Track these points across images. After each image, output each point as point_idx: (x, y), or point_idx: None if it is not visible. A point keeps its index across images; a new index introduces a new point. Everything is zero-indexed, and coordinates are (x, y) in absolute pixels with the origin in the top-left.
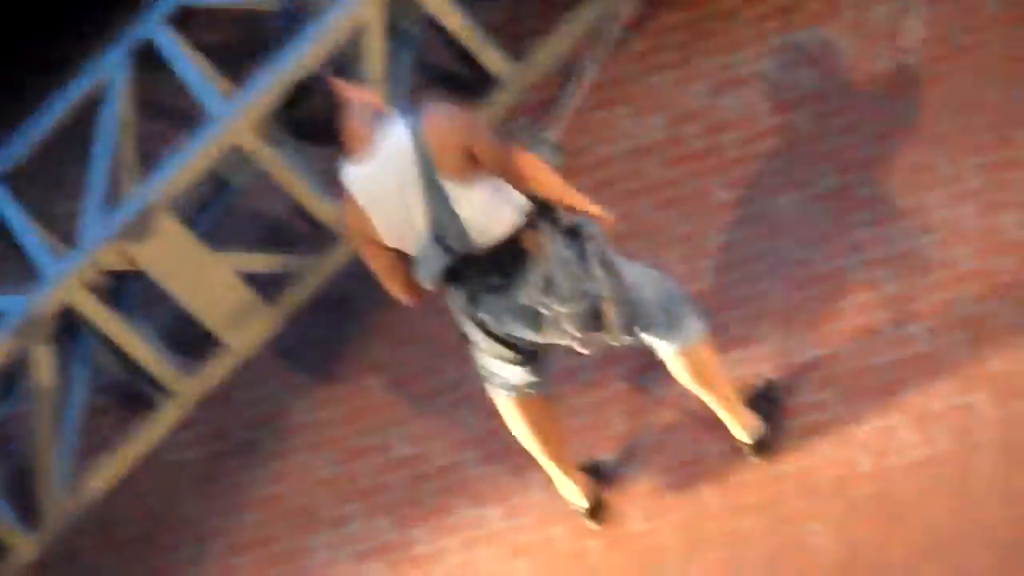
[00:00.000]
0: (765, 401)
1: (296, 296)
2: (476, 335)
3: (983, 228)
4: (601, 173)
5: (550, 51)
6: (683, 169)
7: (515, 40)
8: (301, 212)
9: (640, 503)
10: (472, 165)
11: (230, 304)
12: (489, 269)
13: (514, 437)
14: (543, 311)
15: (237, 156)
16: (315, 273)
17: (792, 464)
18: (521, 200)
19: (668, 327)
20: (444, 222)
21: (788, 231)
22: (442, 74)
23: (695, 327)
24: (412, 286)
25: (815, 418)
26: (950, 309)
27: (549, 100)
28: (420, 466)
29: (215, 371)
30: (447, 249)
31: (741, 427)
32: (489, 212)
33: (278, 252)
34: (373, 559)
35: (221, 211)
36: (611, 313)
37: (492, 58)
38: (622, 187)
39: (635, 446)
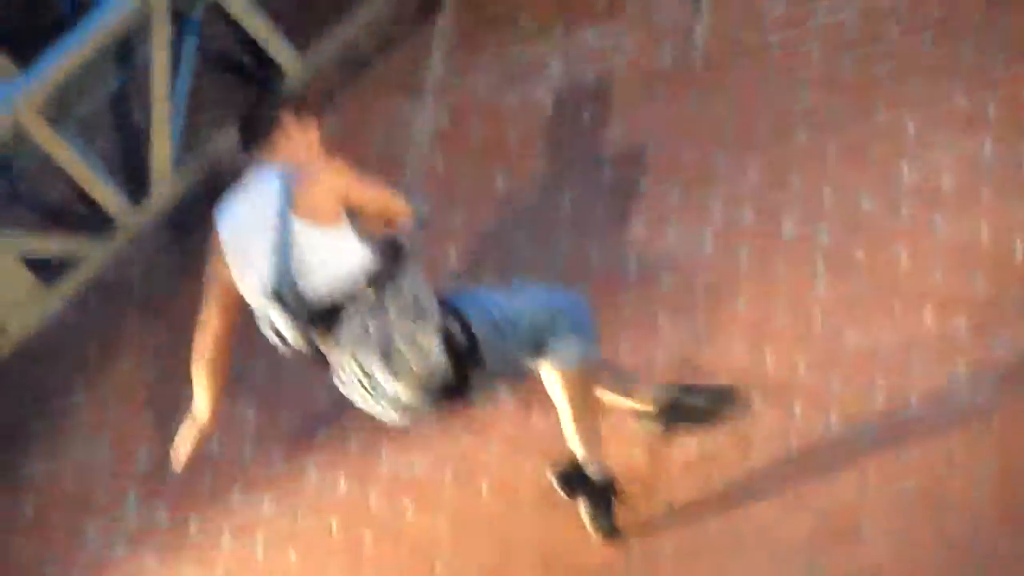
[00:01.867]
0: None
1: (75, 280)
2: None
3: (759, 228)
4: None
5: (336, 41)
6: (466, 160)
7: (301, 29)
8: (82, 196)
9: (414, 493)
10: (335, 211)
11: (9, 287)
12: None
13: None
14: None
15: (19, 138)
16: (95, 257)
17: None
18: (366, 260)
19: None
20: (284, 264)
21: (569, 225)
22: (227, 62)
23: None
24: (215, 346)
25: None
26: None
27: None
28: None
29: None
30: (281, 299)
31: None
32: (331, 261)
33: (59, 236)
34: (146, 545)
35: (2, 194)
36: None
37: (278, 47)
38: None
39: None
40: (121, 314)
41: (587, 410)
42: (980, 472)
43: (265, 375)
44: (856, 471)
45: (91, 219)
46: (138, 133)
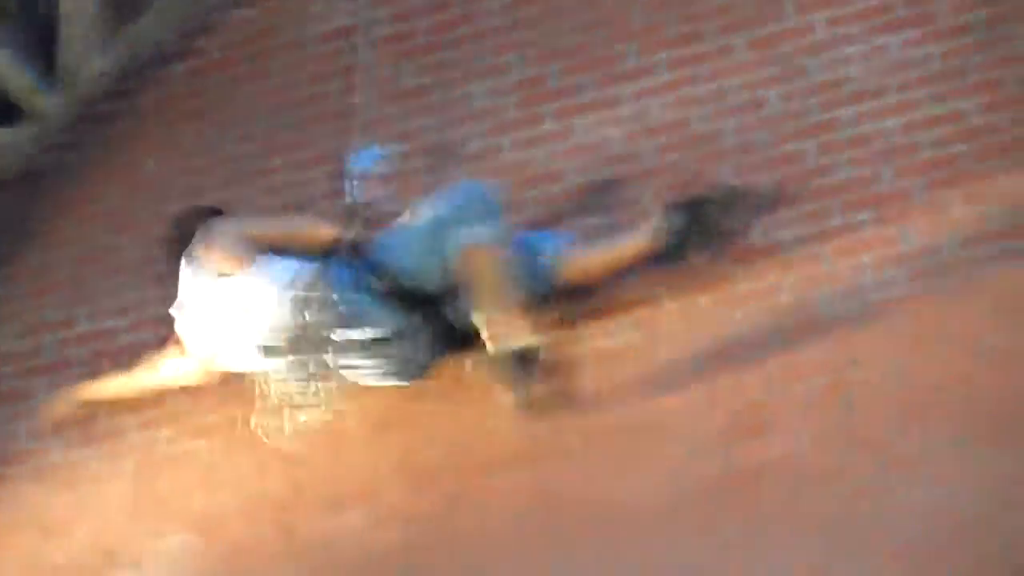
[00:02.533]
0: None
1: None
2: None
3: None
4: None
5: (87, 80)
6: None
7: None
8: None
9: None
10: (248, 255)
11: None
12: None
13: None
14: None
15: None
16: (6, 146)
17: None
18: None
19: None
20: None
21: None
22: None
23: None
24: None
25: None
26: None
27: None
28: (103, 342)
29: None
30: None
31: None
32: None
33: None
34: (53, 437)
35: None
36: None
37: (20, 84)
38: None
39: None
40: (32, 205)
41: (492, 286)
42: (885, 368)
43: None
44: (765, 367)
45: (2, 107)
46: (51, 20)
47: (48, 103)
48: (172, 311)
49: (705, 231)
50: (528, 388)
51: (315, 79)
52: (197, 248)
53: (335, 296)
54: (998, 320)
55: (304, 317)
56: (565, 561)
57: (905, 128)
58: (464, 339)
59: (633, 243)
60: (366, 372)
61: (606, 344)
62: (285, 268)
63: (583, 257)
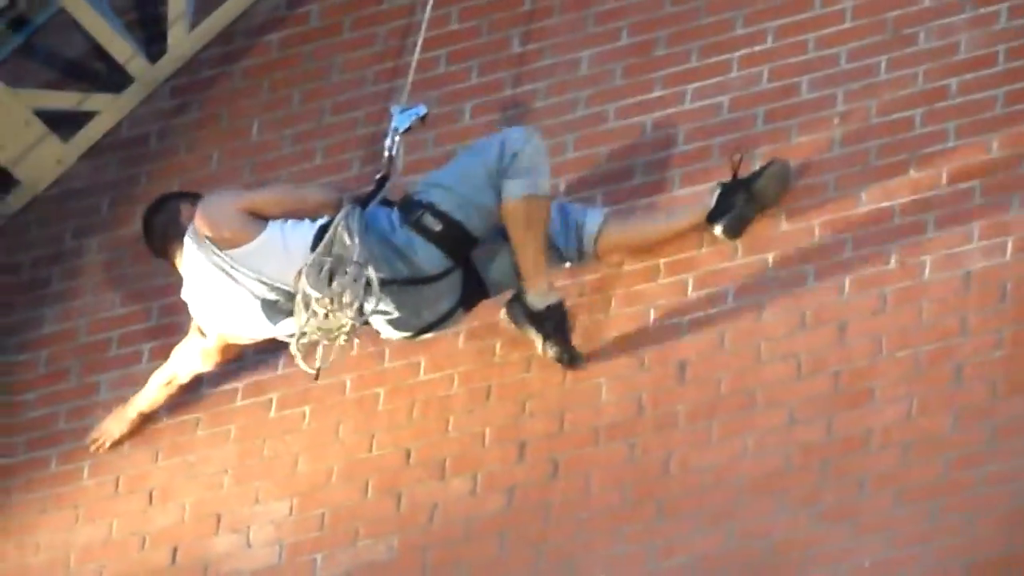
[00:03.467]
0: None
1: (90, 135)
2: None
3: None
4: (399, 23)
5: (187, 47)
6: (481, 20)
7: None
8: (98, 51)
9: (427, 353)
10: (251, 224)
11: (24, 141)
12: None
13: None
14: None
15: None
16: (110, 113)
17: (585, 318)
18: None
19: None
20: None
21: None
22: (71, 66)
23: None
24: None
25: (608, 271)
26: None
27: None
28: None
29: (10, 205)
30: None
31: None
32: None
33: (74, 91)
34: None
35: (18, 50)
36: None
37: (124, 52)
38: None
39: None
40: (134, 168)
41: (535, 240)
42: (994, 338)
43: None
44: (869, 336)
45: (107, 75)
46: None
47: (151, 69)
48: (183, 295)
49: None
50: (563, 343)
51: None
52: (196, 225)
53: (364, 241)
54: None
55: (327, 277)
56: (666, 529)
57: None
58: (482, 293)
59: (676, 224)
60: (391, 317)
61: (710, 311)
62: (300, 233)
63: (619, 233)
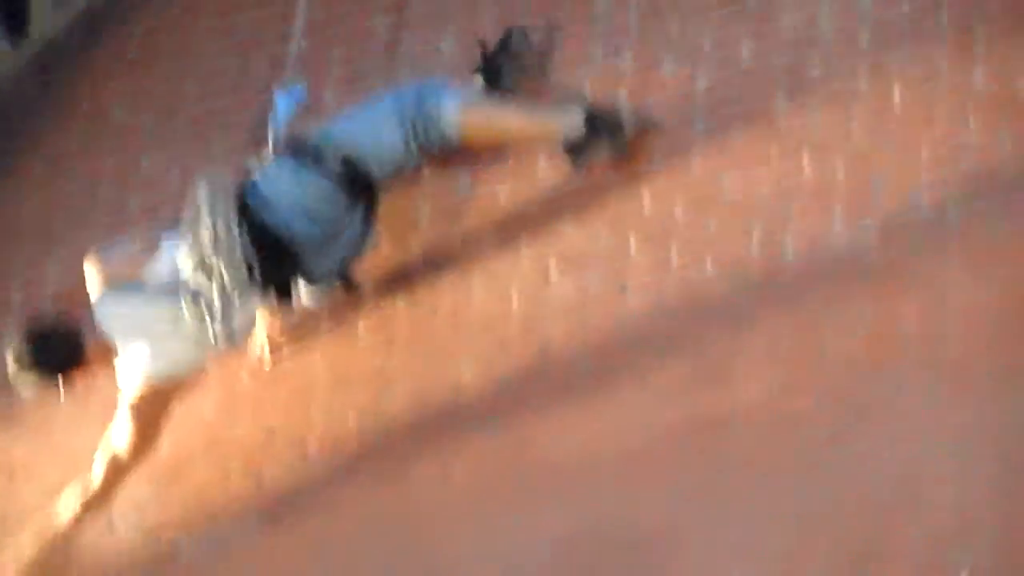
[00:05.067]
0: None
1: None
2: None
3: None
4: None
5: (52, 27)
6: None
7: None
8: None
9: (289, 335)
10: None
11: None
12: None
13: None
14: None
15: None
16: None
17: (446, 302)
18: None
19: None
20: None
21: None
22: None
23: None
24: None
25: (470, 254)
26: None
27: None
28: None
29: None
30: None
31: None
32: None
33: None
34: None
35: None
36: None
37: None
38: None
39: None
40: None
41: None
42: (854, 320)
43: None
44: (730, 314)
45: None
46: None
47: (13, 51)
48: (115, 363)
49: (610, 143)
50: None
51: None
52: (101, 283)
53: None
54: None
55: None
56: (528, 512)
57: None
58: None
59: (541, 126)
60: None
61: (569, 295)
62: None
63: (484, 113)
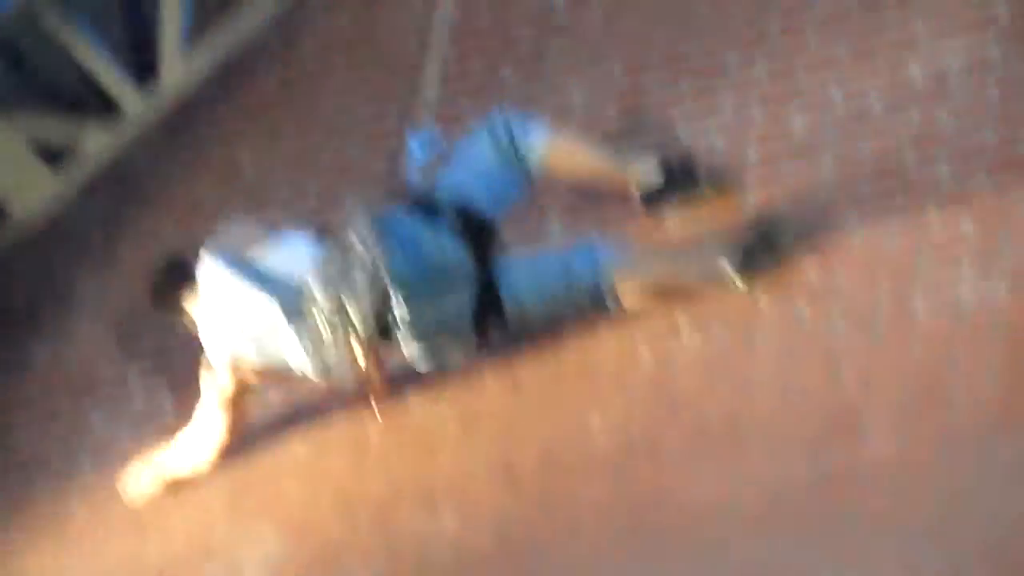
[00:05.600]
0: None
1: (82, 167)
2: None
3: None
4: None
5: (183, 80)
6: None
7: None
8: (91, 82)
9: (419, 386)
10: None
11: (16, 172)
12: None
13: None
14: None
15: (27, 22)
16: (102, 145)
17: (573, 351)
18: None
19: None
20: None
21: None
22: (62, 95)
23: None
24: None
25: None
26: None
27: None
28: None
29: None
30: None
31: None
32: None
33: (66, 122)
34: (151, 427)
35: (10, 79)
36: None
37: (114, 83)
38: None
39: None
40: (126, 202)
41: (595, 165)
42: (985, 372)
43: None
44: (859, 369)
45: (99, 106)
46: (149, 19)
47: (144, 103)
48: (199, 335)
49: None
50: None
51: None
52: (219, 240)
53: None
54: None
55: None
56: (659, 565)
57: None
58: (497, 308)
59: (621, 167)
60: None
61: (702, 346)
62: (306, 241)
63: (567, 146)
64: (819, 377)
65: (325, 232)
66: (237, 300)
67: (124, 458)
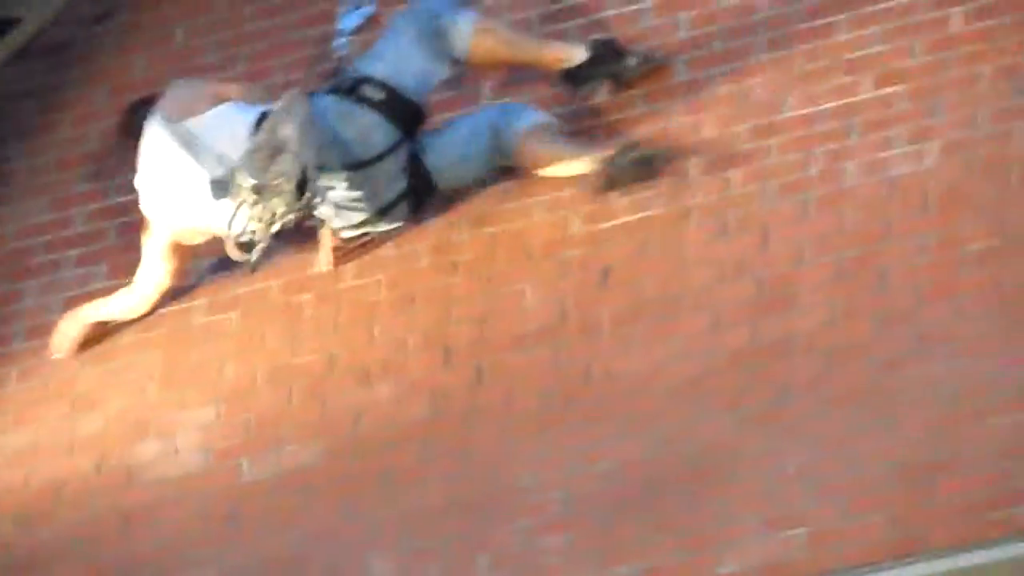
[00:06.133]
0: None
1: (16, 39)
2: None
3: None
4: None
5: None
6: None
7: None
8: None
9: (353, 259)
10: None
11: None
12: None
13: None
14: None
15: None
16: (35, 17)
17: (505, 225)
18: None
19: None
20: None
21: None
22: None
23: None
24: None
25: (530, 180)
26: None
27: None
28: (133, 213)
29: None
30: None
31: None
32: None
33: None
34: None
35: None
36: None
37: None
38: None
39: None
40: (62, 75)
41: (521, 51)
42: (915, 242)
43: None
44: (792, 240)
45: None
46: None
47: None
48: (135, 182)
49: (609, 73)
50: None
51: None
52: (162, 102)
53: (314, 121)
54: None
55: (264, 163)
56: (590, 434)
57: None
58: (428, 183)
59: (548, 51)
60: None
61: (632, 217)
62: (244, 116)
63: (496, 32)
64: (752, 246)
65: (265, 112)
66: (170, 161)
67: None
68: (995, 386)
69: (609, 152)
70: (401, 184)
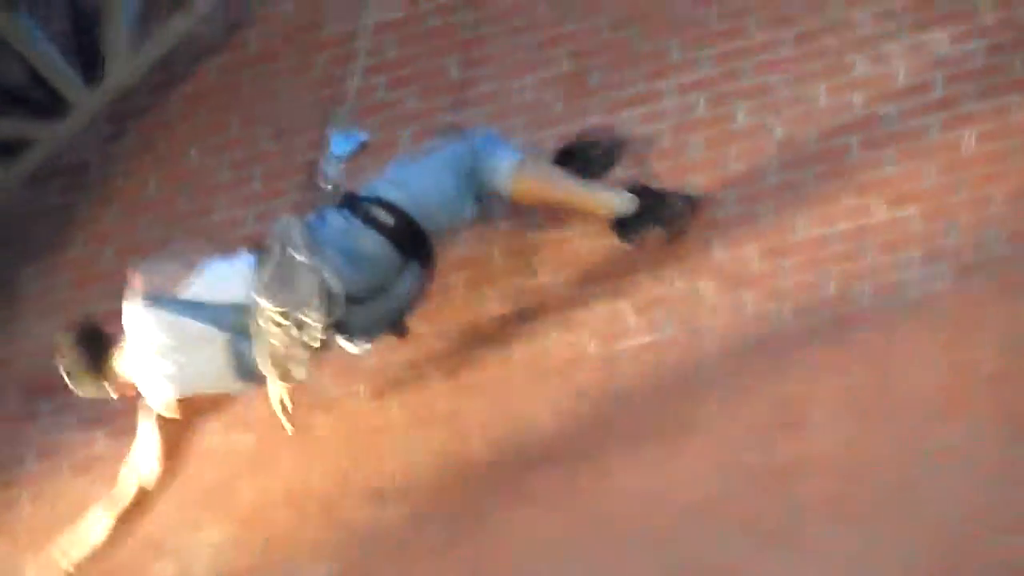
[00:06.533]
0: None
1: (29, 162)
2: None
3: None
4: (339, 50)
5: (125, 73)
6: (420, 47)
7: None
8: (35, 77)
9: (367, 380)
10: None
11: None
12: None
13: None
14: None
15: None
16: (49, 139)
17: (521, 348)
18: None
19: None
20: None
21: (522, 112)
22: (10, 94)
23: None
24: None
25: (545, 302)
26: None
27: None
28: None
29: None
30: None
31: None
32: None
33: (11, 117)
34: (99, 426)
35: None
36: None
37: (63, 80)
38: (362, 63)
39: None
40: (75, 197)
41: (565, 197)
42: (928, 363)
43: None
44: (806, 361)
45: (45, 101)
46: (91, 13)
47: (90, 96)
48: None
49: (658, 221)
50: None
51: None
52: (138, 287)
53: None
54: None
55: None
56: (606, 553)
57: (947, 124)
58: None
59: (593, 199)
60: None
61: (645, 340)
62: (233, 260)
63: (538, 175)
64: (766, 367)
65: (256, 248)
66: (174, 337)
67: (71, 450)
68: (1007, 507)
69: (626, 200)
70: (406, 305)
